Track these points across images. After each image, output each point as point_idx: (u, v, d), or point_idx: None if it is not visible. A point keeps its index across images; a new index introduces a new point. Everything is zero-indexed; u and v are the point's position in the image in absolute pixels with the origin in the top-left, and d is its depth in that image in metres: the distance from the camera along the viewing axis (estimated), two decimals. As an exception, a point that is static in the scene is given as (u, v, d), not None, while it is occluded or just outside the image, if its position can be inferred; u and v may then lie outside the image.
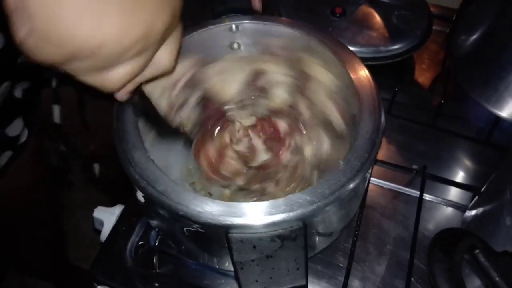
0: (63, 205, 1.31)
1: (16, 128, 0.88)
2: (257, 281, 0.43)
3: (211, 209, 0.44)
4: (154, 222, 0.61)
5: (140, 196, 0.54)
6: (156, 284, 0.62)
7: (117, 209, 0.71)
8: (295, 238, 0.44)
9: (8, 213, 1.05)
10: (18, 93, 0.87)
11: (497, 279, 0.43)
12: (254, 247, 0.44)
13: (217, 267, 0.61)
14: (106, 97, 0.42)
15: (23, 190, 1.00)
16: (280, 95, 0.68)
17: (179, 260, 0.64)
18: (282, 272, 0.43)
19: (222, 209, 0.45)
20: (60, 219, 1.33)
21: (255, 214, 0.44)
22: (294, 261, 0.43)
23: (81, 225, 1.52)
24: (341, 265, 0.64)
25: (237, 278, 0.44)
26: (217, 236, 0.48)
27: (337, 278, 0.62)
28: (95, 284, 0.64)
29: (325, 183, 0.46)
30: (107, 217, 0.70)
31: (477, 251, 0.44)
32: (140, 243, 0.66)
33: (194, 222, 0.45)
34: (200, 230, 0.48)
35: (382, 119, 0.53)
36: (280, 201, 0.45)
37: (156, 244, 0.64)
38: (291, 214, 0.44)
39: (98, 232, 0.72)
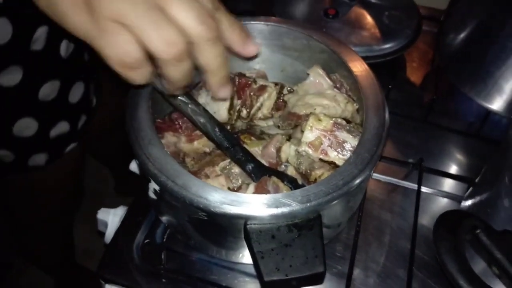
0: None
1: (92, 88, 0.91)
2: (277, 269, 0.44)
3: (230, 201, 0.46)
4: (165, 217, 0.62)
5: (151, 192, 0.55)
6: (164, 280, 0.63)
7: (121, 210, 0.71)
8: (311, 227, 0.47)
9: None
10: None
11: (499, 256, 0.46)
12: (273, 237, 0.46)
13: (225, 259, 0.63)
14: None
15: (62, 175, 1.01)
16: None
17: (186, 256, 0.65)
18: (301, 260, 0.45)
19: (240, 201, 0.46)
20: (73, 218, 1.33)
21: (273, 205, 0.46)
22: (312, 249, 0.45)
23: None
24: (341, 255, 0.66)
25: (257, 267, 0.45)
26: (234, 228, 0.49)
27: (339, 268, 0.65)
28: (103, 283, 0.64)
29: (338, 175, 0.48)
30: (111, 218, 0.71)
31: (478, 230, 0.47)
32: (146, 241, 0.67)
33: (214, 214, 0.46)
34: (217, 222, 0.49)
35: (387, 114, 0.55)
36: (297, 192, 0.47)
37: (164, 241, 0.65)
38: (308, 204, 0.46)
39: (101, 234, 0.72)
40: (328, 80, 0.64)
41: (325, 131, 0.57)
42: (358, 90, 0.59)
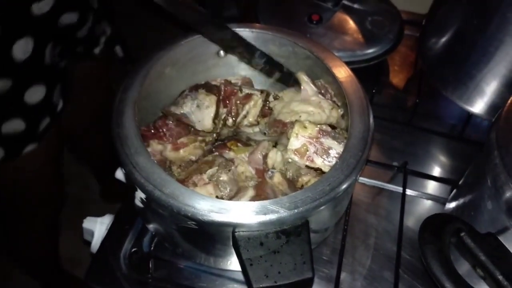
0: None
1: (57, 94, 0.91)
2: (266, 276, 0.45)
3: (218, 209, 0.46)
4: (152, 226, 0.62)
5: (138, 201, 0.55)
6: (152, 289, 0.63)
7: (107, 219, 0.71)
8: (299, 233, 0.47)
9: (18, 192, 1.05)
10: (56, 58, 0.90)
11: (483, 258, 0.47)
12: (261, 244, 0.46)
13: (213, 266, 0.63)
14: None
15: (37, 167, 1.01)
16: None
17: (174, 264, 0.65)
18: (289, 266, 0.45)
19: (228, 209, 0.46)
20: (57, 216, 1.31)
21: (261, 212, 0.46)
22: (300, 255, 0.46)
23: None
24: (328, 259, 0.66)
25: (246, 274, 0.45)
26: (222, 235, 0.50)
27: (326, 272, 0.65)
28: (90, 293, 0.64)
29: (324, 181, 0.49)
30: (98, 227, 0.70)
31: (463, 233, 0.48)
32: (133, 250, 0.66)
33: (202, 222, 0.47)
34: (205, 230, 0.49)
35: (371, 119, 0.56)
36: (284, 199, 0.47)
37: (152, 249, 0.65)
38: (295, 211, 0.46)
39: (88, 243, 0.72)
40: (313, 87, 0.65)
41: (311, 138, 0.58)
42: (342, 95, 0.60)
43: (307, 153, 0.58)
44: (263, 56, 0.65)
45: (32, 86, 0.84)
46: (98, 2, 0.97)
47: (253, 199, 0.53)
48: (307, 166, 0.58)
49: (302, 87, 0.66)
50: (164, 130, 0.63)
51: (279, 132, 0.65)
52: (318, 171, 0.58)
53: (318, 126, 0.58)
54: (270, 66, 0.67)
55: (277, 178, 0.60)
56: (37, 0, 0.79)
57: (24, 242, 1.25)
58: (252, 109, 0.67)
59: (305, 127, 0.58)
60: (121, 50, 1.14)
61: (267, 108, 0.68)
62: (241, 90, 0.66)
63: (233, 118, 0.66)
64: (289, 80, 0.68)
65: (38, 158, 0.96)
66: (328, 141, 0.58)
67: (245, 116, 0.67)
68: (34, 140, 0.91)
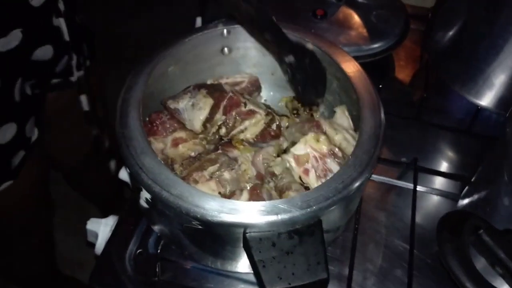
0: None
1: (30, 127, 0.87)
2: (280, 278, 0.43)
3: (228, 210, 0.45)
4: (157, 227, 0.60)
5: (143, 201, 0.53)
6: (159, 291, 0.62)
7: (111, 220, 0.70)
8: (312, 233, 0.46)
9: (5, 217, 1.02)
10: (28, 90, 0.85)
11: (502, 256, 0.46)
12: (274, 244, 0.45)
13: (221, 268, 0.62)
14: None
15: (23, 192, 0.97)
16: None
17: (180, 264, 0.64)
18: (303, 267, 0.44)
19: (239, 209, 0.45)
20: (51, 229, 1.28)
21: (273, 212, 0.45)
22: (314, 255, 0.44)
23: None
24: (337, 257, 0.65)
25: (258, 277, 0.44)
26: (233, 237, 0.48)
27: (336, 270, 0.64)
28: (95, 296, 0.63)
29: (337, 178, 0.48)
30: (102, 228, 0.69)
31: (481, 231, 0.47)
32: (138, 251, 0.65)
33: (212, 223, 0.45)
34: (215, 231, 0.48)
35: (382, 114, 0.55)
36: (297, 198, 0.46)
37: (157, 250, 0.64)
38: (308, 210, 0.45)
39: (92, 245, 0.70)
40: (351, 123, 0.62)
41: (318, 152, 0.55)
42: (352, 91, 0.58)
43: (306, 164, 0.55)
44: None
45: (2, 127, 0.80)
46: (71, 34, 0.87)
47: None
48: (300, 180, 0.56)
49: (342, 118, 0.63)
50: (158, 123, 0.62)
51: (311, 129, 0.61)
52: (307, 190, 0.55)
53: (331, 146, 0.56)
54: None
55: (269, 187, 0.58)
56: (2, 36, 0.73)
57: (18, 261, 1.22)
58: (252, 127, 0.64)
59: (318, 141, 0.56)
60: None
61: (269, 132, 0.65)
62: (245, 105, 0.64)
63: (227, 130, 0.64)
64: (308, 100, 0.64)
65: (19, 189, 0.92)
66: (332, 164, 0.55)
67: (242, 131, 0.64)
68: (10, 178, 0.87)
